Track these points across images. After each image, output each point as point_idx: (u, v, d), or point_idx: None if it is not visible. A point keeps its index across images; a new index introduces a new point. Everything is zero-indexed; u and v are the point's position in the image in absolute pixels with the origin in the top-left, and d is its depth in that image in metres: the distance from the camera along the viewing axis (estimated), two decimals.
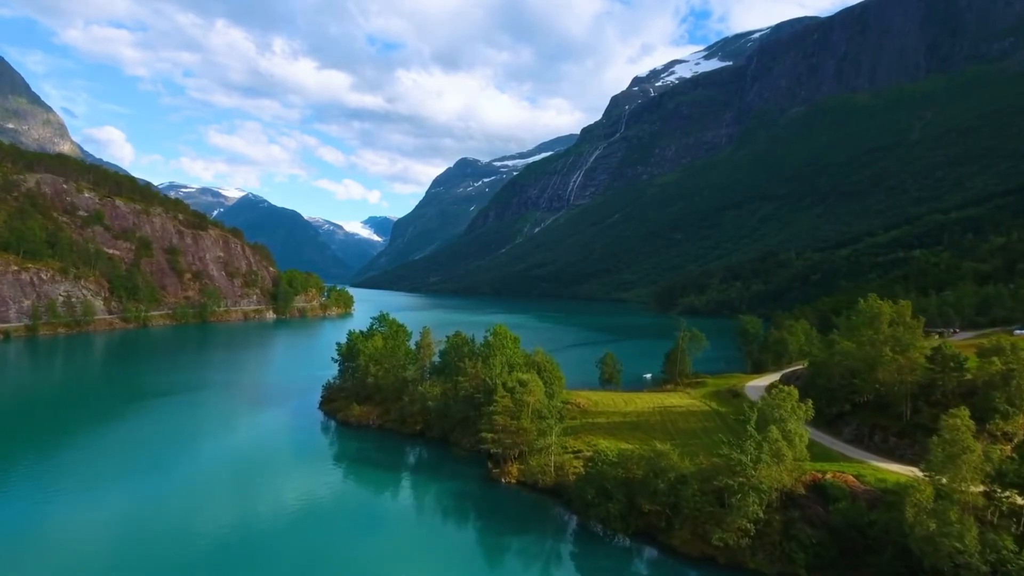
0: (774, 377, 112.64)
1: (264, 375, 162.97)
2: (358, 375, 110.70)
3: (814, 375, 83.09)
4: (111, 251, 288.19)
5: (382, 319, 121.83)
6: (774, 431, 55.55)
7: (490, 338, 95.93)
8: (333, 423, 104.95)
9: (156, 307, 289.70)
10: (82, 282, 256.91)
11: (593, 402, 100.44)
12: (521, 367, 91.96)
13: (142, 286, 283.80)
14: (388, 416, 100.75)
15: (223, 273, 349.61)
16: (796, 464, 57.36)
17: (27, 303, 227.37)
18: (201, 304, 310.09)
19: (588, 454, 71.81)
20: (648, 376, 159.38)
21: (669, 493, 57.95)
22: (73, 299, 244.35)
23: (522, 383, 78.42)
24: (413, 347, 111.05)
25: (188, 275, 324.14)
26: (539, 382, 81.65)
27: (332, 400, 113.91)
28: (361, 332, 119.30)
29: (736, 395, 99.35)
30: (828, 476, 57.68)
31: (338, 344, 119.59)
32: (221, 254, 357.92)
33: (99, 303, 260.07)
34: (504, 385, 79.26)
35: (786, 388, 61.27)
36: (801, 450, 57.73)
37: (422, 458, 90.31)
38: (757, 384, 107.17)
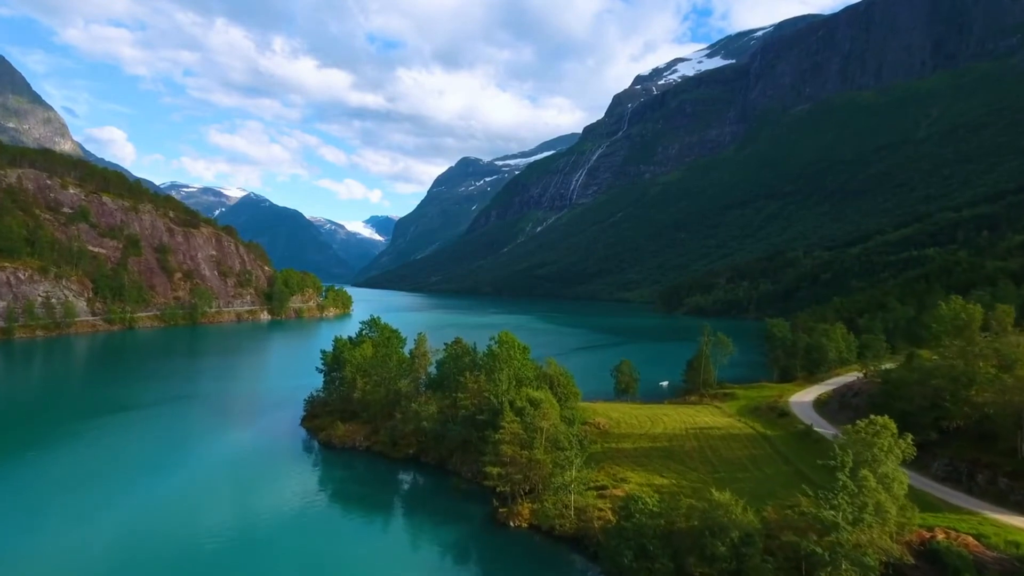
0: (818, 390, 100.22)
1: (247, 384, 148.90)
2: (343, 388, 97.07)
3: (888, 395, 69.47)
4: (96, 249, 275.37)
5: (373, 323, 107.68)
6: (870, 479, 42.73)
7: (495, 347, 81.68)
8: (316, 443, 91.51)
9: (143, 308, 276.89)
10: (63, 282, 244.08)
11: (613, 421, 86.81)
12: (531, 381, 78.60)
13: (128, 286, 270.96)
14: (377, 436, 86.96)
15: (215, 272, 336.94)
16: (900, 521, 44.36)
17: (2, 304, 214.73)
18: (191, 305, 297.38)
19: (616, 492, 59.02)
20: (665, 384, 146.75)
21: (731, 557, 44.81)
22: (53, 300, 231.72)
23: (534, 403, 65.33)
24: (408, 355, 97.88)
25: (178, 275, 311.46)
26: (554, 402, 68.81)
27: (315, 416, 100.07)
28: (349, 338, 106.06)
29: (783, 414, 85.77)
30: (939, 536, 44.85)
31: (323, 352, 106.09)
32: (214, 253, 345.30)
33: (82, 304, 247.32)
34: (512, 405, 66.28)
35: (879, 419, 48.31)
36: (903, 502, 44.94)
37: (415, 490, 77.13)
38: (801, 400, 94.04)
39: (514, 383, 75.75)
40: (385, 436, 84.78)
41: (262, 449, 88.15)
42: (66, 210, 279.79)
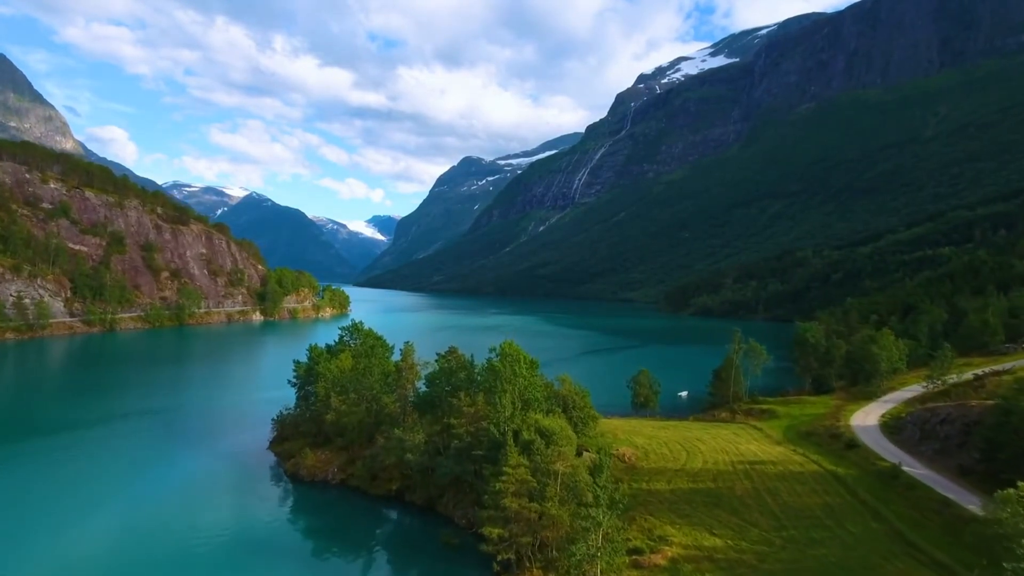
0: (877, 409, 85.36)
1: (219, 394, 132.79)
2: (315, 408, 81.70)
3: (1008, 429, 54.21)
4: (77, 247, 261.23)
5: (354, 329, 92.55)
6: None
7: (496, 362, 64.75)
8: (283, 473, 76.59)
9: (126, 308, 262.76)
10: (39, 280, 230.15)
11: (640, 450, 71.36)
12: (540, 403, 64.27)
13: (110, 285, 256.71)
14: (353, 468, 71.81)
15: (205, 271, 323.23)
16: None
17: None
18: (178, 305, 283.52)
19: (656, 559, 44.87)
20: (684, 394, 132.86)
21: None
22: (26, 300, 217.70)
23: (545, 435, 50.98)
24: (394, 367, 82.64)
25: (165, 273, 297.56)
26: (570, 433, 54.47)
27: (285, 439, 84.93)
28: (328, 346, 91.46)
29: (851, 445, 70.18)
30: None
31: (296, 362, 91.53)
32: (203, 251, 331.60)
33: (58, 304, 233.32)
34: (517, 437, 52.18)
35: None
36: None
37: (396, 541, 62.23)
38: (863, 423, 78.18)
39: (519, 406, 61.20)
40: (363, 468, 69.70)
41: (218, 480, 73.19)
42: (46, 205, 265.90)
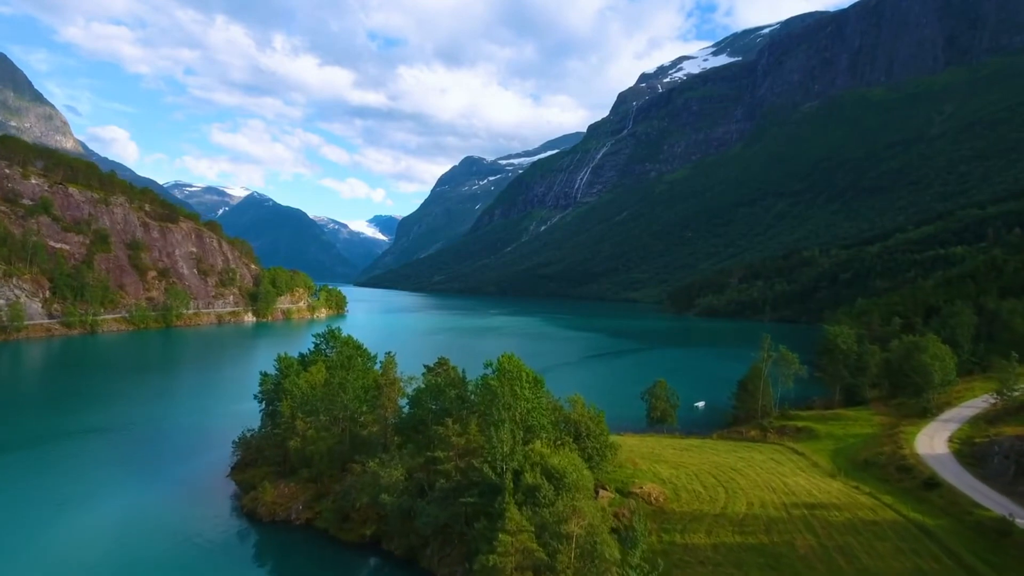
0: (941, 430, 73.18)
1: (193, 406, 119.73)
2: (279, 431, 68.61)
3: None
4: (58, 245, 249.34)
5: (331, 337, 79.42)
6: None
7: (492, 379, 51.99)
8: (241, 509, 63.86)
9: (110, 309, 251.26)
10: (14, 280, 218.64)
11: (669, 487, 57.79)
12: (547, 431, 52.53)
13: (93, 285, 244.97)
14: (321, 505, 59.25)
15: (195, 271, 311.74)
16: None
17: None
18: (165, 306, 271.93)
19: None
20: (700, 405, 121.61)
21: None
22: (0, 300, 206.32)
23: (554, 477, 39.54)
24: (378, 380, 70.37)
25: (153, 273, 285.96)
26: (586, 474, 42.92)
27: (248, 465, 72.46)
28: (301, 356, 79.33)
29: (931, 484, 56.46)
30: None
31: (263, 374, 78.74)
32: (193, 249, 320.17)
33: (36, 305, 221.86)
34: (518, 480, 40.67)
35: None
36: None
37: None
38: (932, 451, 64.81)
39: (520, 436, 48.91)
40: (332, 507, 57.38)
41: (162, 517, 60.41)
42: (26, 202, 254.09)
